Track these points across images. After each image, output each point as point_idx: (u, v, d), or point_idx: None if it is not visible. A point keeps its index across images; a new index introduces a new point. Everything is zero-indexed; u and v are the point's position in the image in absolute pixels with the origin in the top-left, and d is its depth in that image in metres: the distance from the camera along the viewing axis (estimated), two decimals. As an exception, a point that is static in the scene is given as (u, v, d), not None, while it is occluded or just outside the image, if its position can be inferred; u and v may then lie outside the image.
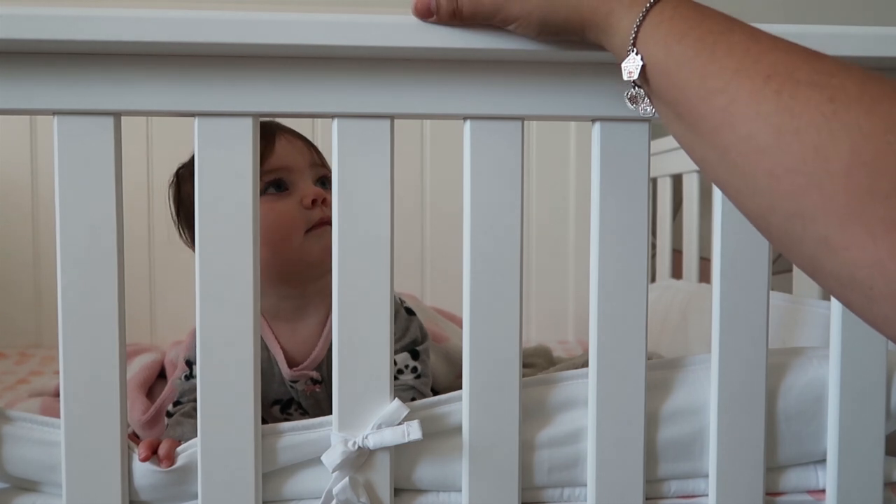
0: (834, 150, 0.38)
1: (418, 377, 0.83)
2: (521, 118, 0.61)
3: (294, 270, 0.82)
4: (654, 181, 1.50)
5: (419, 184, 1.55)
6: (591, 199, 0.63)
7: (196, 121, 0.59)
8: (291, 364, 0.84)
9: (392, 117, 0.60)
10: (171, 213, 0.88)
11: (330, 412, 0.82)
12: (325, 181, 0.85)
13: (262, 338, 0.85)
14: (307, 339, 0.84)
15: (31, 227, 1.48)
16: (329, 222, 0.80)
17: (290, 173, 0.82)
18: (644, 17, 0.48)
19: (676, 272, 1.48)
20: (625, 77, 0.50)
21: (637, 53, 0.49)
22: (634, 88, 0.51)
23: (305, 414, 0.86)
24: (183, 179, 0.87)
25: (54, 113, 0.58)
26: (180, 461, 0.62)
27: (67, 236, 0.59)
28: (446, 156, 1.50)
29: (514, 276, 0.62)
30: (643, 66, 0.48)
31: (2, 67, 0.57)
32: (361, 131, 0.60)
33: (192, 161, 0.85)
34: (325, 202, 0.82)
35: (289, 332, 0.84)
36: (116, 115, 0.59)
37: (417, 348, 0.84)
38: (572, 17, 0.53)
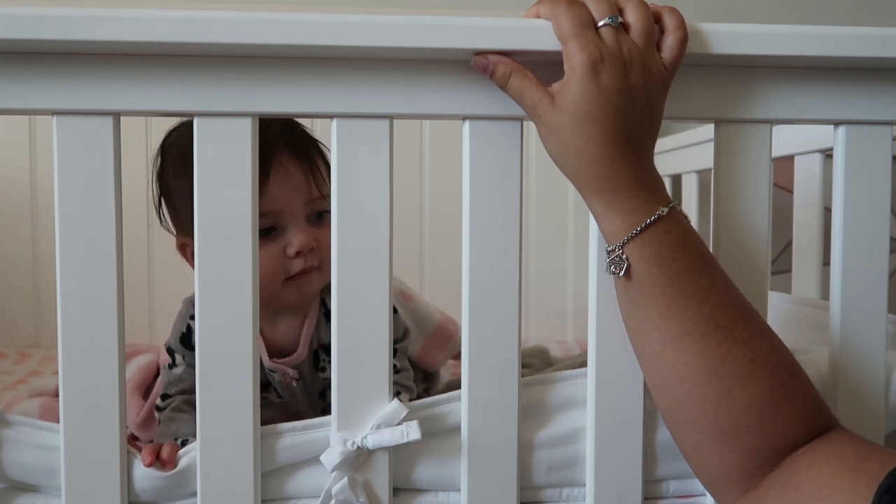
0: (740, 396, 0.54)
1: (397, 372, 0.82)
2: (520, 118, 0.61)
3: (267, 306, 0.78)
4: (653, 181, 1.50)
5: (418, 184, 1.55)
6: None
7: (196, 121, 0.59)
8: (272, 354, 0.83)
9: (391, 117, 0.60)
10: (153, 194, 0.83)
11: (306, 405, 0.81)
12: (321, 214, 0.80)
13: None
14: (286, 335, 0.84)
15: (30, 227, 1.48)
16: (314, 268, 0.78)
17: (280, 217, 0.77)
18: (640, 231, 0.56)
19: (676, 272, 1.48)
20: (608, 270, 0.58)
21: (624, 254, 0.56)
22: (612, 269, 0.58)
23: (282, 399, 0.87)
24: (168, 157, 0.82)
25: (53, 113, 0.58)
26: (182, 463, 0.62)
27: (67, 236, 0.59)
28: (446, 156, 1.50)
29: (514, 276, 0.62)
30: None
31: (2, 67, 0.57)
32: (361, 131, 0.60)
33: (177, 135, 0.82)
34: (313, 250, 0.77)
35: (268, 326, 0.83)
36: (116, 115, 0.58)
37: (396, 346, 0.83)
38: (574, 181, 0.58)
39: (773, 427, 0.54)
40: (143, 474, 0.62)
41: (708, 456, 0.56)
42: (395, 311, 0.85)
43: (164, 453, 0.63)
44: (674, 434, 0.59)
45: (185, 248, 0.83)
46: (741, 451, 0.54)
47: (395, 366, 0.83)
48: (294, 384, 0.85)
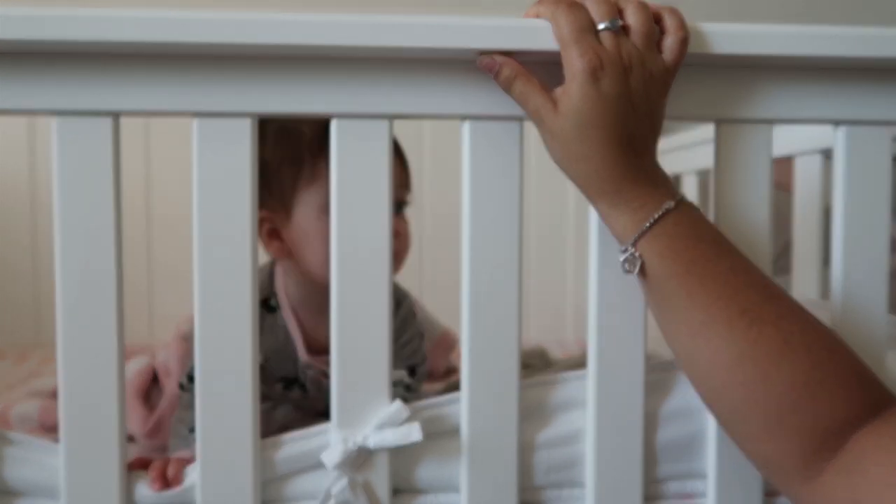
0: (778, 379, 0.52)
1: (409, 390, 0.85)
2: (521, 118, 0.61)
3: (321, 297, 0.81)
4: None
5: (418, 184, 1.54)
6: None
7: (195, 121, 0.59)
8: (310, 350, 0.85)
9: (391, 117, 0.60)
10: None
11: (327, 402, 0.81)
12: (400, 206, 0.84)
13: (283, 318, 0.86)
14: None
15: (30, 227, 1.48)
16: (399, 252, 0.81)
17: None
18: (649, 227, 0.55)
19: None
20: (623, 270, 0.57)
21: (636, 252, 0.56)
22: (626, 268, 0.57)
23: (305, 394, 0.88)
24: (268, 131, 0.79)
25: (53, 113, 0.58)
26: (188, 481, 0.63)
27: (66, 236, 0.59)
28: (446, 156, 1.50)
29: (514, 276, 0.62)
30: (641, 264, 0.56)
31: (2, 67, 0.57)
32: (360, 131, 0.60)
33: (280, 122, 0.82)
34: (398, 235, 0.80)
35: (314, 321, 0.85)
36: (115, 116, 0.58)
37: (418, 369, 0.87)
38: (578, 185, 0.58)
39: (820, 407, 0.52)
40: (148, 495, 0.62)
41: (760, 444, 0.54)
42: (422, 337, 0.89)
43: (171, 472, 0.63)
44: (723, 427, 0.58)
45: (262, 225, 0.82)
46: (792, 435, 0.52)
47: (408, 386, 0.84)
48: (324, 380, 0.86)
